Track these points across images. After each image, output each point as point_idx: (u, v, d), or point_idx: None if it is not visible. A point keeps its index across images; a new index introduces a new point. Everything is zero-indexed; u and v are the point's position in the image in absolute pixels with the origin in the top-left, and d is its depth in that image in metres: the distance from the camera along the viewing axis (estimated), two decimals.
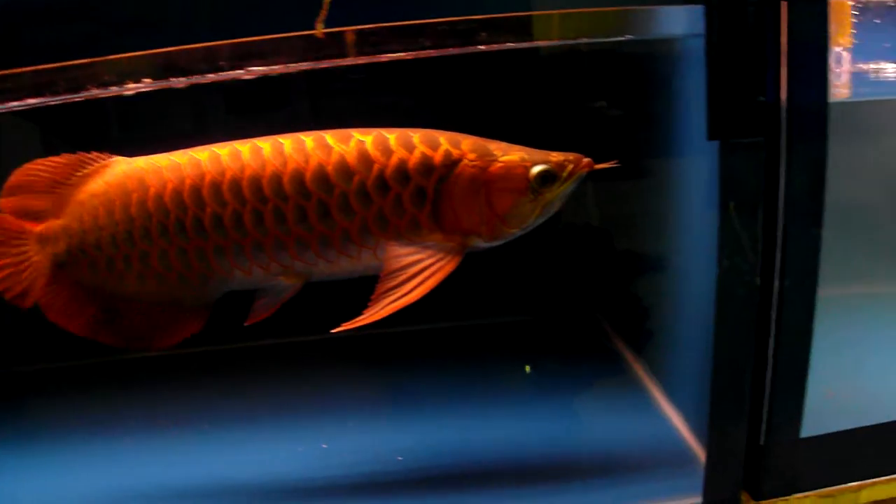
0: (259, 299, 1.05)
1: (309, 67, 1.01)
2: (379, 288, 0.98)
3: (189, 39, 1.05)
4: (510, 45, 1.03)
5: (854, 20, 1.16)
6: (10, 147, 1.44)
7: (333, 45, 1.01)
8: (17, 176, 1.05)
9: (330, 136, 1.02)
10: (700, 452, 1.22)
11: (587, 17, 1.07)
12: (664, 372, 1.47)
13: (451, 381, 1.55)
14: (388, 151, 1.00)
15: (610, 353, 1.66)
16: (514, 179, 1.02)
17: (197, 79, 1.05)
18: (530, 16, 1.07)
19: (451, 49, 1.02)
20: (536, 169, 1.02)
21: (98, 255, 1.04)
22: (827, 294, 1.13)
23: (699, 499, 1.19)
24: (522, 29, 1.04)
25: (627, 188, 1.58)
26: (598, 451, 1.33)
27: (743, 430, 1.16)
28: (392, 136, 1.02)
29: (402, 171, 1.00)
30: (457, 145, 1.02)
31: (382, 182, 1.00)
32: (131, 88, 1.05)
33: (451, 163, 1.01)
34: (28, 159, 1.05)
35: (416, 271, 0.99)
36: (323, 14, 0.98)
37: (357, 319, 0.96)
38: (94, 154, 1.06)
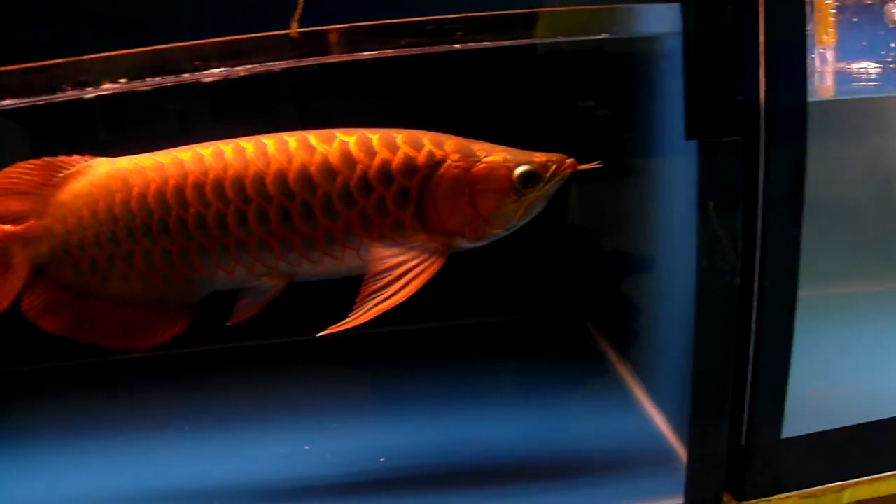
0: (242, 299, 1.06)
1: (277, 68, 1.00)
2: (364, 290, 0.99)
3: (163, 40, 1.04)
4: (486, 44, 1.02)
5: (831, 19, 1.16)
6: None
7: (308, 45, 1.00)
8: None
9: (313, 137, 1.02)
10: (683, 453, 1.23)
11: (564, 16, 1.06)
12: (648, 372, 1.47)
13: (434, 382, 1.55)
14: (371, 152, 1.00)
15: (594, 353, 1.66)
16: (498, 180, 1.02)
17: (172, 79, 1.04)
18: (508, 14, 1.06)
19: (426, 48, 1.01)
20: (520, 169, 1.02)
21: (81, 256, 1.04)
22: (807, 294, 1.12)
23: (681, 499, 1.19)
24: (500, 28, 1.03)
25: (611, 188, 1.57)
26: (580, 452, 1.33)
27: (724, 431, 1.16)
28: (375, 136, 1.02)
29: (386, 172, 1.00)
30: (440, 146, 1.02)
31: (366, 183, 1.00)
32: (107, 89, 1.04)
33: (434, 163, 1.01)
34: (12, 159, 1.05)
35: (400, 273, 0.99)
36: (297, 13, 0.97)
37: (342, 323, 0.97)
38: (76, 157, 1.05)
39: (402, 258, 1.00)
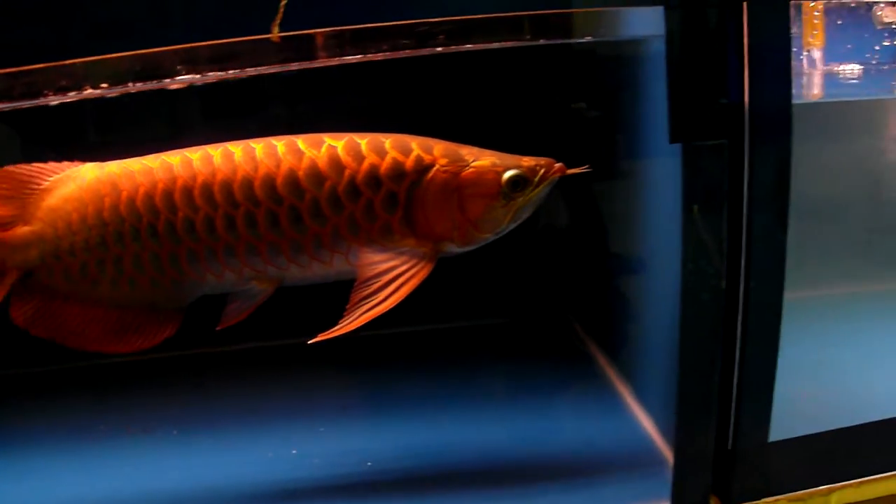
0: (231, 303, 1.06)
1: (258, 73, 1.00)
2: (354, 297, 0.99)
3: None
4: (468, 46, 1.01)
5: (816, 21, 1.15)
6: None
7: (290, 49, 0.99)
8: None
9: (301, 141, 1.02)
10: (670, 456, 1.23)
11: (548, 19, 1.05)
12: (636, 375, 1.48)
13: (422, 385, 1.55)
14: (359, 157, 1.01)
15: (582, 356, 1.66)
16: (486, 185, 1.03)
17: (156, 83, 1.03)
18: (493, 18, 1.05)
19: (407, 52, 1.00)
20: (508, 174, 1.03)
21: (72, 261, 1.04)
22: (794, 296, 1.12)
23: (668, 503, 1.19)
24: (483, 31, 1.03)
25: (600, 191, 1.56)
26: (568, 454, 1.33)
27: (711, 435, 1.16)
28: (363, 141, 1.02)
29: (374, 177, 1.00)
30: (428, 150, 1.03)
31: (354, 188, 1.00)
32: (89, 94, 1.04)
33: (422, 168, 1.01)
34: (2, 163, 1.05)
35: (390, 278, 1.00)
36: (278, 17, 0.96)
37: (333, 329, 0.97)
38: (65, 163, 1.05)
39: (391, 264, 1.00)
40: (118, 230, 1.02)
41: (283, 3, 0.96)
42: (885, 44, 1.46)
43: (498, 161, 1.03)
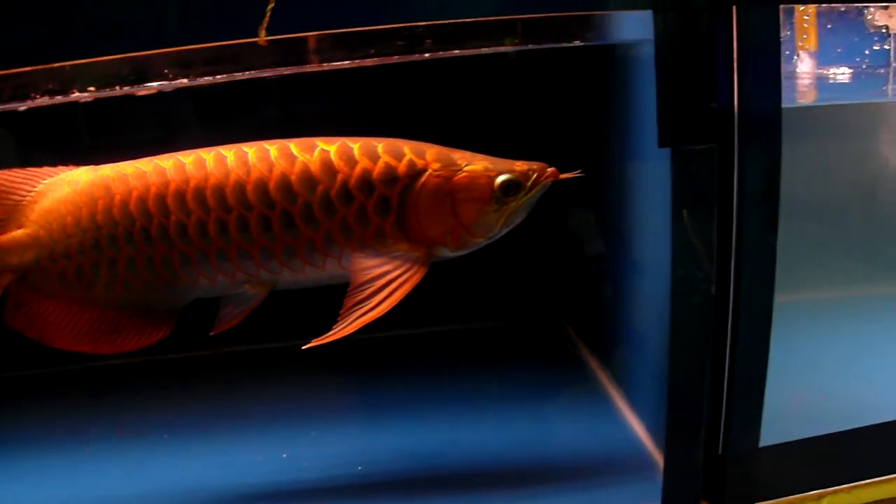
0: (224, 307, 1.06)
1: (245, 76, 0.99)
2: (347, 302, 0.99)
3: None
4: (456, 52, 1.01)
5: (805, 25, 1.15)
6: None
7: (277, 53, 0.99)
8: None
9: (294, 146, 1.02)
10: (661, 461, 1.22)
11: (536, 23, 1.04)
12: (627, 379, 1.48)
13: (413, 388, 1.55)
14: (351, 161, 1.01)
15: (574, 359, 1.66)
16: (479, 189, 1.03)
17: (143, 87, 1.03)
18: (481, 22, 1.05)
19: (396, 57, 1.00)
20: (500, 178, 1.03)
21: (67, 264, 1.04)
22: (785, 300, 1.12)
23: None
24: (470, 36, 1.02)
25: (592, 195, 1.56)
26: (559, 458, 1.32)
27: (701, 440, 1.16)
28: (356, 145, 1.02)
29: (366, 181, 1.00)
30: (421, 155, 1.03)
31: (346, 192, 1.00)
32: (76, 97, 1.04)
33: (414, 173, 1.01)
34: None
35: (383, 283, 1.00)
36: (265, 21, 0.95)
37: (327, 335, 0.97)
38: (60, 166, 1.06)
39: (384, 268, 1.00)
40: (112, 233, 1.02)
41: (269, 6, 0.95)
42: (876, 48, 1.45)
43: (490, 165, 1.04)
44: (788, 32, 1.50)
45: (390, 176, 1.00)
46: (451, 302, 1.68)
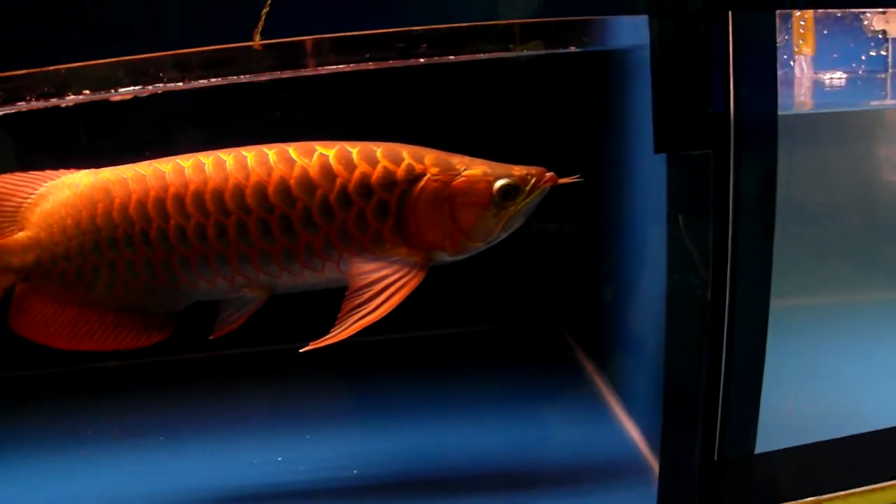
0: (224, 311, 1.06)
1: (239, 81, 0.99)
2: (345, 306, 0.99)
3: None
4: (451, 58, 1.00)
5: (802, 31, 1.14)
6: None
7: (271, 57, 0.98)
8: None
9: (293, 150, 1.03)
10: (657, 466, 1.21)
11: (531, 29, 1.04)
12: (623, 384, 1.47)
13: (408, 392, 1.55)
14: (350, 166, 1.01)
15: (571, 363, 1.66)
16: (477, 194, 1.03)
17: (138, 90, 1.03)
18: (478, 27, 1.04)
19: (391, 62, 0.99)
20: (499, 183, 1.03)
21: (68, 266, 1.04)
22: (781, 305, 1.11)
23: None
24: (465, 41, 1.02)
25: (589, 200, 1.55)
26: (555, 462, 1.32)
27: (697, 446, 1.15)
28: (355, 150, 1.03)
29: (365, 186, 1.01)
30: (420, 160, 1.03)
31: (345, 196, 1.01)
32: (71, 100, 1.04)
33: (413, 177, 1.02)
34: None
35: (381, 287, 1.00)
36: (260, 25, 0.95)
37: (325, 339, 0.97)
38: (61, 170, 1.06)
39: (382, 273, 1.01)
40: (111, 236, 1.02)
41: (264, 10, 0.94)
42: (872, 53, 1.45)
43: (489, 170, 1.04)
44: (786, 37, 1.49)
45: (389, 180, 1.01)
46: (447, 305, 1.68)
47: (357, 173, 1.00)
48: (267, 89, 1.48)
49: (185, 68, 1.02)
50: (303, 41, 1.00)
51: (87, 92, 1.03)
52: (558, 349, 1.72)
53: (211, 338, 1.05)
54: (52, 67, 1.01)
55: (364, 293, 0.99)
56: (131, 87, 1.00)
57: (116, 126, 1.47)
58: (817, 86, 1.49)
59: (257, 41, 0.98)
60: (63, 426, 1.45)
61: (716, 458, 1.15)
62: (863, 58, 1.46)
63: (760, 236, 1.06)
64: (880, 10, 1.46)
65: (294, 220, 1.00)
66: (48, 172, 1.06)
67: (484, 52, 1.07)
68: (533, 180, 1.04)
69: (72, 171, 1.06)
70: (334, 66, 1.00)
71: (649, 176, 1.22)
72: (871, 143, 1.77)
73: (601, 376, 1.56)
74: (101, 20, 1.04)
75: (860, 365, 1.50)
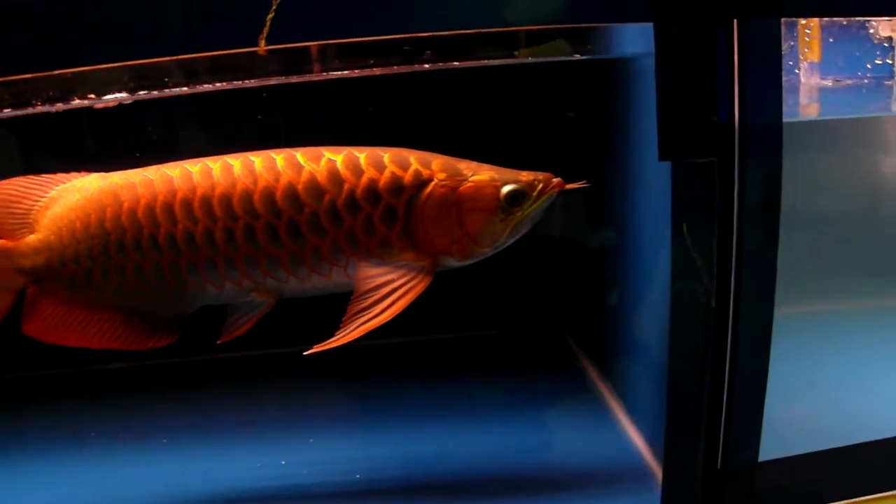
0: (232, 315, 1.07)
1: (244, 86, 0.99)
2: (350, 309, 1.00)
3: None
4: (456, 64, 1.00)
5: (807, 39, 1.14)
6: None
7: (276, 62, 0.99)
8: None
9: (301, 155, 1.03)
10: (660, 474, 1.21)
11: (537, 36, 1.04)
12: (627, 391, 1.47)
13: (411, 396, 1.55)
14: (358, 171, 1.02)
15: (575, 369, 1.65)
16: (484, 199, 1.03)
17: (144, 94, 1.03)
18: (483, 34, 1.04)
19: (396, 67, 0.99)
20: (506, 188, 1.03)
21: (77, 269, 1.05)
22: (785, 313, 1.11)
23: None
24: (469, 48, 1.02)
25: (594, 206, 1.55)
26: (558, 468, 1.32)
27: (700, 453, 1.15)
28: (362, 155, 1.03)
29: (373, 191, 1.01)
30: (427, 165, 1.03)
31: (353, 201, 1.01)
32: (77, 104, 1.05)
33: (421, 183, 1.02)
34: (4, 170, 1.08)
35: (387, 292, 1.00)
36: (265, 31, 0.95)
37: (329, 342, 0.98)
38: (71, 173, 1.07)
39: (389, 277, 1.01)
40: (120, 240, 1.03)
41: (269, 16, 0.95)
42: (878, 62, 1.45)
43: (496, 175, 1.04)
44: (792, 44, 1.49)
45: (396, 186, 1.01)
46: (451, 310, 1.67)
47: (365, 178, 1.01)
48: (274, 94, 1.49)
49: (191, 73, 1.03)
50: (308, 47, 1.01)
51: (92, 96, 1.04)
52: (562, 355, 1.72)
53: (219, 342, 1.05)
54: (57, 72, 1.02)
55: (370, 297, 1.00)
56: (139, 92, 1.01)
57: (122, 130, 1.48)
58: (823, 93, 1.49)
59: (262, 47, 0.99)
60: (67, 428, 1.45)
61: (719, 465, 1.15)
62: (868, 66, 1.45)
63: (765, 244, 1.06)
64: (886, 18, 1.46)
65: (302, 225, 1.01)
66: (59, 176, 1.07)
67: (488, 58, 1.07)
68: (540, 186, 1.04)
69: (82, 174, 1.07)
70: (338, 73, 1.01)
71: (654, 183, 1.22)
72: (876, 150, 1.76)
73: (605, 382, 1.55)
74: (106, 25, 1.04)
75: (865, 373, 1.50)
